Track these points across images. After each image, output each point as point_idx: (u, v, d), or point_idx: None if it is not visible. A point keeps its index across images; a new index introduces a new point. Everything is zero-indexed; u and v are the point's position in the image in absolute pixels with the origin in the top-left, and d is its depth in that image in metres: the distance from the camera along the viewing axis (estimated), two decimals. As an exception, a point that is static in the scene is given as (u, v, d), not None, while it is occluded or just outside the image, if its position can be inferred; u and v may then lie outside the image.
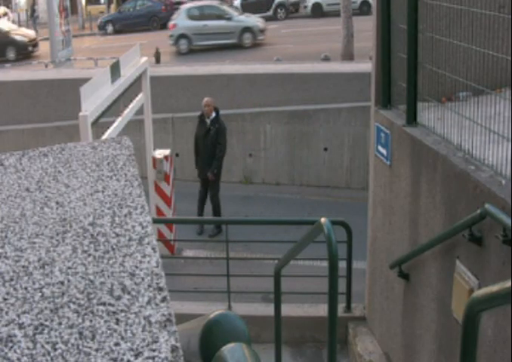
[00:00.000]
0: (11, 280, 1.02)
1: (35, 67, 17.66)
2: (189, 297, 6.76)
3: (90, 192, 1.31)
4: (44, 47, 22.67)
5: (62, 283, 1.01)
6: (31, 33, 25.58)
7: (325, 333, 3.52)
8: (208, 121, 9.57)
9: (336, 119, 11.90)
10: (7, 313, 0.94)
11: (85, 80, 6.33)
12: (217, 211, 9.90)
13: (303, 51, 18.93)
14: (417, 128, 4.51)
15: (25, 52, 23.76)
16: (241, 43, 22.29)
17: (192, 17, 22.83)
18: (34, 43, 24.45)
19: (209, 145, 9.57)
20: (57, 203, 1.28)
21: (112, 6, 34.51)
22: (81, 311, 0.94)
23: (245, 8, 27.19)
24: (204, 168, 9.70)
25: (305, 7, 29.36)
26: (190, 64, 16.15)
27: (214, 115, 9.58)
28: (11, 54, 23.39)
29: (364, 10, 25.34)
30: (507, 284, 1.96)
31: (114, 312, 0.93)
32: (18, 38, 24.11)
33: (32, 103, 12.85)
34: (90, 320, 0.92)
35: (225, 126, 9.77)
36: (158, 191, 8.96)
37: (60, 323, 0.92)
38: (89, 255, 1.09)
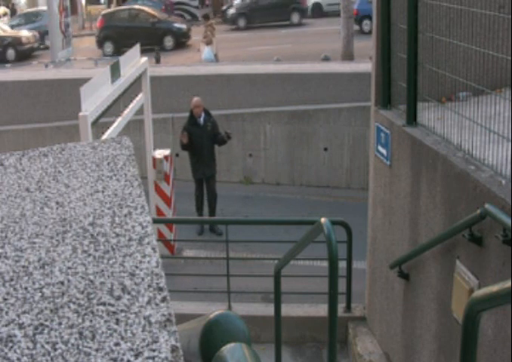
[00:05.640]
0: (11, 280, 1.02)
1: (35, 67, 17.65)
2: (189, 297, 6.76)
3: (90, 192, 1.31)
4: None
5: (62, 283, 1.01)
6: None
7: (325, 333, 3.52)
8: (202, 120, 9.60)
9: (336, 119, 11.90)
10: (7, 313, 0.94)
11: (85, 80, 6.33)
12: (215, 204, 9.88)
13: (303, 51, 18.92)
14: (417, 128, 4.51)
15: None
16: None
17: None
18: None
19: (208, 142, 9.58)
20: (57, 203, 1.28)
21: (112, 6, 34.48)
22: (81, 311, 0.94)
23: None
24: (206, 166, 9.67)
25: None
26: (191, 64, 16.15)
27: (203, 113, 9.64)
28: None
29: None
30: (507, 284, 1.96)
31: (114, 312, 0.93)
32: None
33: (32, 103, 12.85)
34: (90, 320, 0.92)
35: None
36: (158, 191, 8.96)
37: (60, 323, 0.91)
38: (89, 255, 1.08)
